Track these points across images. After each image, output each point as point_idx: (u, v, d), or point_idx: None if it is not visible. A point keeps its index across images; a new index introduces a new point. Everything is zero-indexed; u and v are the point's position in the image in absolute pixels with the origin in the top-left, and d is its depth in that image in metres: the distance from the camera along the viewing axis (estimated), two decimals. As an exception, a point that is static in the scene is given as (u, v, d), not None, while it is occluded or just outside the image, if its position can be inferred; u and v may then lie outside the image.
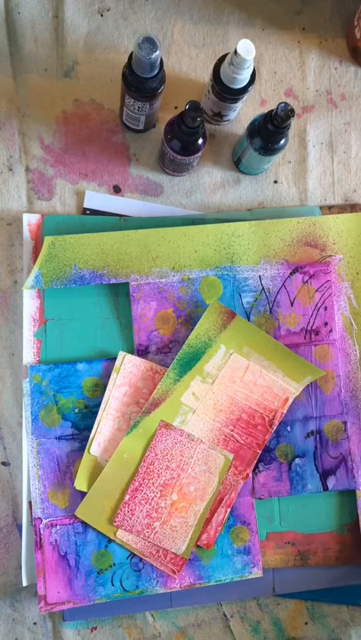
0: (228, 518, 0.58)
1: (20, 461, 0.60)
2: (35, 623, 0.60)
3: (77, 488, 0.57)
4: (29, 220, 0.60)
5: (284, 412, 0.58)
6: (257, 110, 0.65)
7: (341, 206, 0.65)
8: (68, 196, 0.63)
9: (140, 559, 0.57)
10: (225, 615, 0.61)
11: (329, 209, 0.65)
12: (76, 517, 0.56)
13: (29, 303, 0.60)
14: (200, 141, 0.58)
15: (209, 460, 0.57)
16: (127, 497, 0.56)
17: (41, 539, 0.57)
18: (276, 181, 0.66)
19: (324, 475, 0.59)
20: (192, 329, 0.58)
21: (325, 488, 0.59)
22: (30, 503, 0.58)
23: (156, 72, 0.53)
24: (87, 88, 0.64)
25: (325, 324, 0.61)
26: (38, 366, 0.58)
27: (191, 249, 0.60)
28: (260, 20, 0.66)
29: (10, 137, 0.63)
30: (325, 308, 0.61)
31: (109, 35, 0.64)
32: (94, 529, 0.56)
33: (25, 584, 0.58)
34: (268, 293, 0.60)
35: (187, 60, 0.65)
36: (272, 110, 0.55)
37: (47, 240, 0.58)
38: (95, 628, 0.60)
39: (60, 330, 0.60)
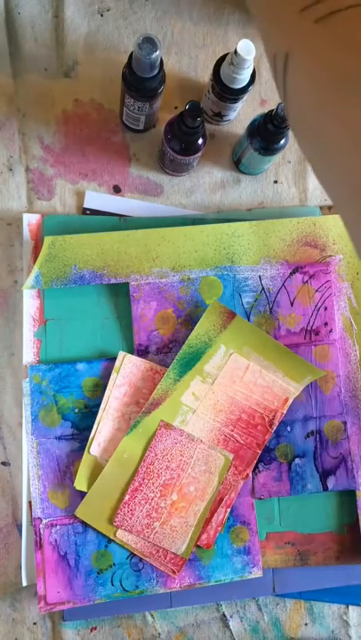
0: (228, 518, 0.58)
1: (20, 461, 0.60)
2: (35, 623, 0.60)
3: (77, 488, 0.57)
4: (29, 220, 0.60)
5: (284, 412, 0.58)
6: (257, 110, 0.65)
7: (341, 206, 0.65)
8: (68, 196, 0.63)
9: (140, 559, 0.57)
10: (224, 615, 0.61)
11: (329, 209, 0.65)
12: (76, 517, 0.56)
13: (29, 303, 0.60)
14: (200, 141, 0.58)
15: (209, 460, 0.57)
16: (127, 497, 0.56)
17: (41, 539, 0.57)
18: (276, 181, 0.66)
19: (324, 475, 0.59)
20: (192, 329, 0.58)
21: (325, 488, 0.59)
22: (30, 503, 0.58)
23: (156, 72, 0.53)
24: (87, 88, 0.64)
25: (325, 324, 0.61)
26: (38, 366, 0.58)
27: (191, 249, 0.60)
28: (260, 20, 0.66)
29: (10, 137, 0.63)
30: (325, 308, 0.61)
31: (109, 35, 0.64)
32: (94, 529, 0.56)
33: (25, 584, 0.58)
34: (268, 293, 0.60)
35: (187, 60, 0.65)
36: (272, 110, 0.55)
37: (47, 240, 0.58)
38: (95, 628, 0.60)
39: (60, 330, 0.60)
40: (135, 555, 0.57)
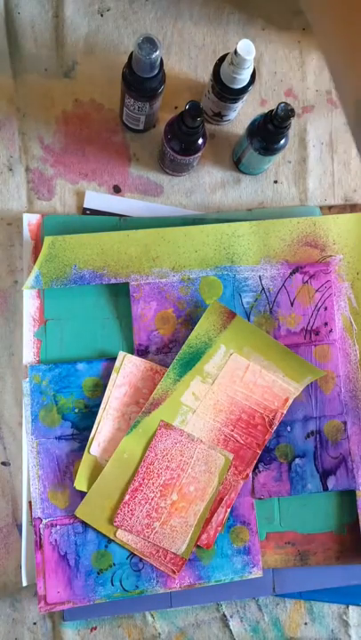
0: (228, 518, 0.58)
1: (20, 461, 0.60)
2: (35, 623, 0.60)
3: (77, 488, 0.57)
4: (29, 220, 0.60)
5: (284, 412, 0.58)
6: (257, 110, 0.65)
7: (341, 206, 0.65)
8: (68, 196, 0.63)
9: (140, 559, 0.57)
10: (225, 615, 0.61)
11: (329, 209, 0.65)
12: (76, 517, 0.56)
13: (29, 303, 0.60)
14: (200, 141, 0.58)
15: (209, 460, 0.57)
16: (127, 497, 0.56)
17: (41, 539, 0.57)
18: (276, 181, 0.66)
19: (325, 475, 0.59)
20: (192, 329, 0.58)
21: (325, 488, 0.59)
22: (30, 503, 0.58)
23: (156, 72, 0.53)
24: (87, 88, 0.64)
25: (325, 324, 0.61)
26: (38, 366, 0.58)
27: (191, 249, 0.60)
28: (260, 20, 0.66)
29: (10, 137, 0.63)
30: (325, 309, 0.61)
31: (109, 35, 0.64)
32: (94, 529, 0.56)
33: (25, 584, 0.58)
34: (268, 293, 0.60)
35: (187, 60, 0.65)
36: (272, 110, 0.55)
37: (47, 240, 0.58)
38: (95, 628, 0.60)
39: (60, 330, 0.60)
40: (135, 555, 0.57)
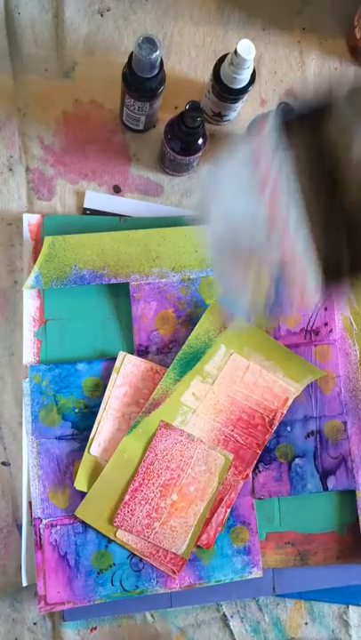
0: (228, 518, 0.58)
1: (20, 461, 0.60)
2: (35, 623, 0.60)
3: (77, 488, 0.57)
4: (29, 220, 0.60)
5: (284, 412, 0.58)
6: (257, 110, 0.65)
7: (341, 206, 0.65)
8: (68, 196, 0.63)
9: (140, 559, 0.57)
10: (225, 615, 0.61)
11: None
12: (76, 517, 0.56)
13: (29, 303, 0.60)
14: (200, 141, 0.58)
15: (209, 460, 0.57)
16: (127, 497, 0.56)
17: (41, 539, 0.57)
18: (276, 181, 0.65)
19: (325, 475, 0.59)
20: (192, 329, 0.58)
21: (325, 488, 0.59)
22: (30, 503, 0.58)
23: (156, 72, 0.53)
24: (87, 88, 0.64)
25: (325, 324, 0.61)
26: (38, 366, 0.58)
27: (191, 249, 0.60)
28: (260, 20, 0.66)
29: (10, 137, 0.63)
30: (325, 309, 0.61)
31: (109, 35, 0.64)
32: (94, 529, 0.56)
33: (25, 584, 0.58)
34: (268, 293, 0.60)
35: (187, 60, 0.65)
36: (272, 111, 0.55)
37: (47, 240, 0.58)
38: (95, 628, 0.60)
39: (60, 330, 0.60)
40: (135, 555, 0.57)
